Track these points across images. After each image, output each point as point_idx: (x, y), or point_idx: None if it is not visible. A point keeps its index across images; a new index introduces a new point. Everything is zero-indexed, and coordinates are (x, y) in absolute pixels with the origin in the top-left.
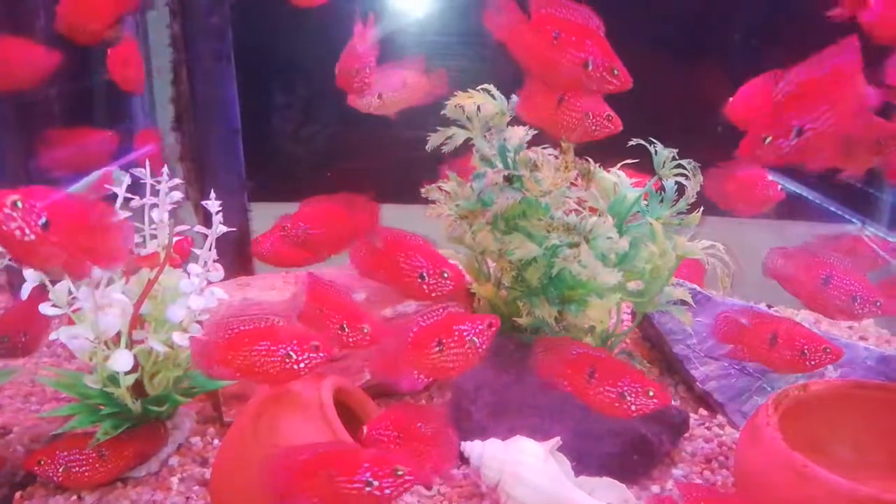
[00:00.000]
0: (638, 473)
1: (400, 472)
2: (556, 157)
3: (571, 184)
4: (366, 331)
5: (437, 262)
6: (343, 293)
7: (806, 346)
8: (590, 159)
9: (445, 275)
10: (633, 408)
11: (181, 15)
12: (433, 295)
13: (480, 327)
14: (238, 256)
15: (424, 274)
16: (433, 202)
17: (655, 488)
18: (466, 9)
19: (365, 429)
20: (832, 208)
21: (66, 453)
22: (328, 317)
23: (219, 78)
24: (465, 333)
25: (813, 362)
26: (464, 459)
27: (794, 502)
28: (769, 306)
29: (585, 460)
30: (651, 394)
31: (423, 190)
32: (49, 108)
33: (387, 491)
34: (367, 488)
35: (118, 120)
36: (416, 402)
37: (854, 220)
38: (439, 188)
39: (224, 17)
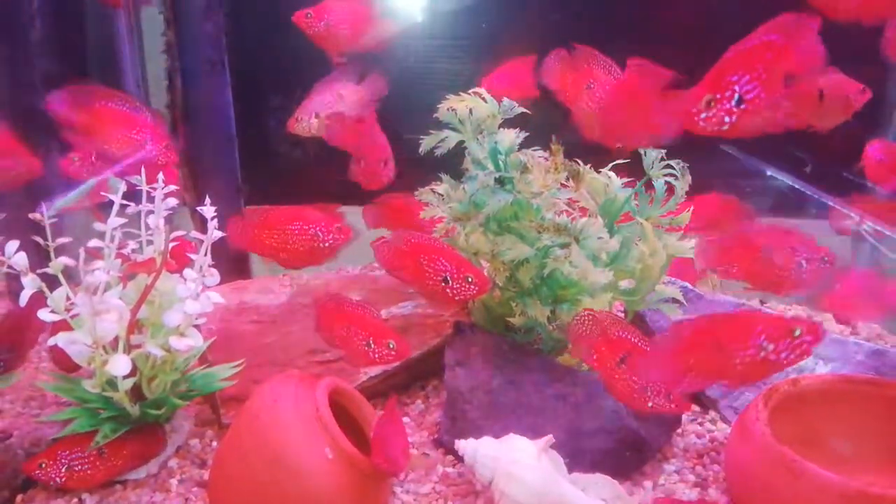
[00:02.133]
0: (630, 469)
1: (797, 333)
2: (546, 160)
3: (562, 185)
4: (391, 346)
5: (462, 266)
6: (366, 309)
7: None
8: (579, 161)
9: (470, 279)
10: (650, 405)
11: (175, 22)
12: (456, 299)
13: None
14: (235, 260)
15: (448, 278)
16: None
17: (648, 483)
18: (460, 12)
19: None
20: (830, 203)
21: (67, 452)
22: (354, 334)
23: (213, 84)
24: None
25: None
26: (458, 458)
27: (784, 497)
28: (762, 302)
29: (578, 457)
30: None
31: (416, 192)
32: (44, 114)
33: (783, 354)
34: (762, 353)
35: None
36: (411, 401)
37: (853, 214)
38: (432, 190)
39: (218, 25)
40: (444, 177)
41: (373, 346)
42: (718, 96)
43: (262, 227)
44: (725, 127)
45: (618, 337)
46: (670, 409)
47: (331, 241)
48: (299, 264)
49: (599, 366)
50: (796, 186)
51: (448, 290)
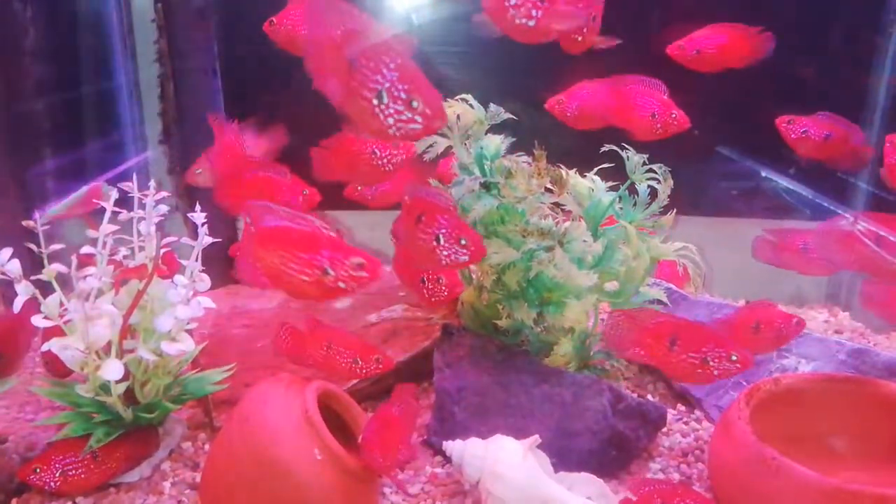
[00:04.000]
0: (616, 468)
1: None
2: (530, 165)
3: (547, 189)
4: (377, 359)
5: (458, 228)
6: (344, 331)
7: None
8: (562, 166)
9: (463, 242)
10: (715, 373)
11: (167, 31)
12: (432, 300)
13: None
14: (227, 265)
15: (441, 237)
16: None
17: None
18: (455, 19)
19: None
20: (824, 203)
21: (62, 457)
22: (338, 352)
23: (205, 92)
24: None
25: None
26: (447, 458)
27: (764, 494)
28: (747, 302)
29: (565, 456)
30: (734, 358)
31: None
32: (38, 121)
33: None
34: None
35: (107, 132)
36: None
37: (847, 214)
38: None
39: (209, 33)
40: (434, 182)
41: (360, 362)
42: None
43: (337, 154)
44: (532, 22)
45: (658, 323)
46: (737, 370)
47: (388, 156)
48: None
49: (651, 357)
50: (791, 187)
51: (438, 251)
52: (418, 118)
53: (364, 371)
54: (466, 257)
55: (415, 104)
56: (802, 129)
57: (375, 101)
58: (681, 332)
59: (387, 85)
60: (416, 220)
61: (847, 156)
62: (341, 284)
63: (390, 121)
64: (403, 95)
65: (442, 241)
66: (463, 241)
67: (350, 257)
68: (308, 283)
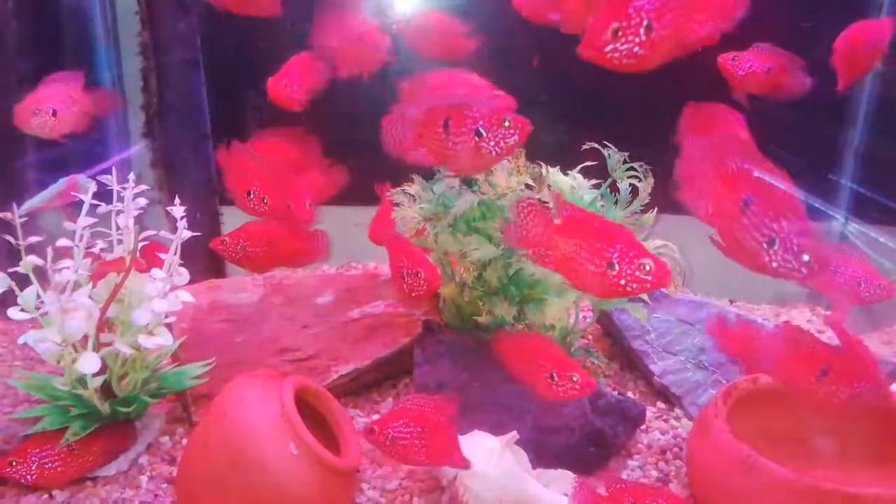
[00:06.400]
0: (594, 465)
1: None
2: (510, 162)
3: (527, 186)
4: (575, 379)
5: (416, 262)
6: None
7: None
8: (542, 163)
9: (420, 274)
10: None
11: (150, 23)
12: (413, 294)
13: None
14: (209, 259)
15: (404, 273)
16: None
17: None
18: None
19: None
20: (816, 205)
21: (38, 450)
22: (538, 365)
23: (188, 85)
24: None
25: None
26: None
27: (740, 491)
28: (731, 301)
29: (543, 453)
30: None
31: (389, 193)
32: None
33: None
34: None
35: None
36: (382, 399)
37: (838, 216)
38: (404, 191)
39: (192, 25)
40: (416, 178)
41: (556, 378)
42: (625, 24)
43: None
44: (632, 61)
45: (813, 349)
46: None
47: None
48: None
49: (792, 382)
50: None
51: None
52: (804, 269)
53: (561, 391)
54: (516, 137)
55: (805, 258)
56: (748, 64)
57: (766, 245)
58: (833, 365)
59: (782, 236)
60: (442, 129)
61: (788, 86)
62: (623, 282)
63: (775, 264)
64: (796, 249)
65: (484, 133)
66: (507, 122)
67: (641, 258)
68: (592, 274)
